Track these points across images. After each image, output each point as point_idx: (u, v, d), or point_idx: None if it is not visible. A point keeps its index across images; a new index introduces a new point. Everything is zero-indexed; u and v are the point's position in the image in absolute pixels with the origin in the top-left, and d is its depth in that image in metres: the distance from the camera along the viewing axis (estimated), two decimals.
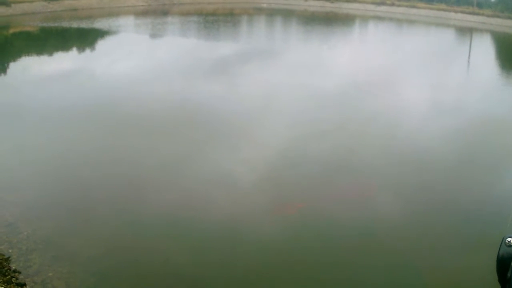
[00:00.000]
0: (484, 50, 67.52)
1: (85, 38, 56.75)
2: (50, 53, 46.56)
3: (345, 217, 15.91)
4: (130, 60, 42.12)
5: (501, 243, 5.35)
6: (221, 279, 12.47)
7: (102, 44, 53.14)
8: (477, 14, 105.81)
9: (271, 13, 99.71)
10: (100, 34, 57.98)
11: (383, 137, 24.20)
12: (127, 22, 72.48)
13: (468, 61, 55.07)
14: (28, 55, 46.00)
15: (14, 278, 11.63)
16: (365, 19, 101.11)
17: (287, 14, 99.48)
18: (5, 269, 11.96)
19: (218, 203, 16.39)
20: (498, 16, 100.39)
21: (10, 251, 12.85)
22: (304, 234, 14.82)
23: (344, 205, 16.71)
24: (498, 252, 5.36)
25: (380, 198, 17.54)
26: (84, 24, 64.60)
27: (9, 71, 38.37)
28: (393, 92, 34.60)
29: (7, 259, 12.41)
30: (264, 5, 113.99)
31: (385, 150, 22.50)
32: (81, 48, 50.06)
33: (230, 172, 18.78)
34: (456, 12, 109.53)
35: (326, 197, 17.34)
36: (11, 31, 60.94)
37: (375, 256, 13.67)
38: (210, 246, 13.68)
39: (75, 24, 64.15)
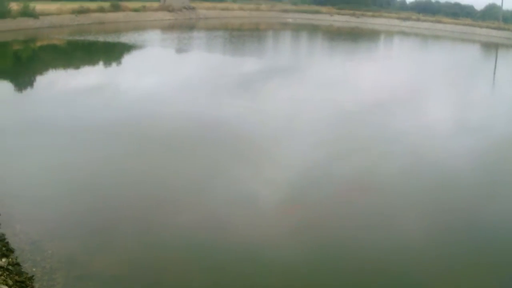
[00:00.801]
0: (510, 67, 67.01)
1: (111, 52, 57.36)
2: (77, 67, 46.99)
3: (366, 240, 15.90)
4: (156, 75, 42.44)
5: None
6: None
7: (128, 59, 53.64)
8: (503, 29, 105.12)
9: (297, 28, 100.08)
10: (126, 48, 58.54)
11: (408, 156, 24.09)
12: (153, 36, 73.17)
13: (494, 78, 54.65)
14: (55, 68, 46.39)
15: None
16: (390, 34, 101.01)
17: (313, 30, 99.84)
18: None
19: (239, 225, 16.42)
20: None
21: (34, 269, 12.89)
22: (321, 256, 14.86)
23: (365, 227, 16.71)
24: None
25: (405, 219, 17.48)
26: (110, 38, 65.25)
27: (35, 84, 38.76)
28: (418, 110, 34.37)
29: (31, 278, 12.43)
30: (290, 20, 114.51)
31: (411, 169, 22.38)
32: (107, 63, 50.59)
33: (251, 194, 18.76)
34: (481, 27, 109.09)
35: (341, 217, 17.38)
36: (38, 44, 61.67)
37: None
38: (232, 269, 13.72)
39: (101, 38, 64.81)
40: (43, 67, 46.30)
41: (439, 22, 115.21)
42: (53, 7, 74.88)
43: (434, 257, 14.93)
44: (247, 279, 13.43)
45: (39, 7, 70.21)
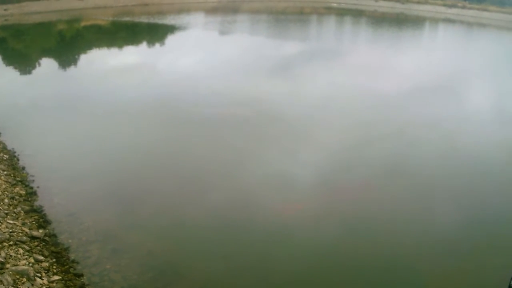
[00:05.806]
0: None
1: (154, 33, 57.25)
2: (120, 47, 47.08)
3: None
4: (197, 56, 42.01)
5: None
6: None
7: (171, 40, 53.44)
8: None
9: (341, 13, 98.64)
10: (169, 29, 58.34)
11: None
12: (196, 19, 72.83)
13: None
14: (98, 48, 46.54)
15: (72, 268, 11.52)
16: (435, 21, 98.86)
17: (357, 15, 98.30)
18: (64, 259, 11.86)
19: (270, 203, 16.02)
20: None
21: (70, 241, 12.75)
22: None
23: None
24: None
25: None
26: (154, 20, 65.21)
27: (78, 63, 38.86)
28: (457, 98, 32.66)
29: (67, 249, 12.31)
30: (334, 5, 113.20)
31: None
32: (150, 43, 50.48)
33: (282, 173, 18.35)
34: None
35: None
36: (83, 24, 61.99)
37: None
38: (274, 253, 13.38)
39: (145, 19, 64.82)
40: (86, 46, 46.50)
41: (485, 10, 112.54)
42: None
43: None
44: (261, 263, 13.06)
45: None
